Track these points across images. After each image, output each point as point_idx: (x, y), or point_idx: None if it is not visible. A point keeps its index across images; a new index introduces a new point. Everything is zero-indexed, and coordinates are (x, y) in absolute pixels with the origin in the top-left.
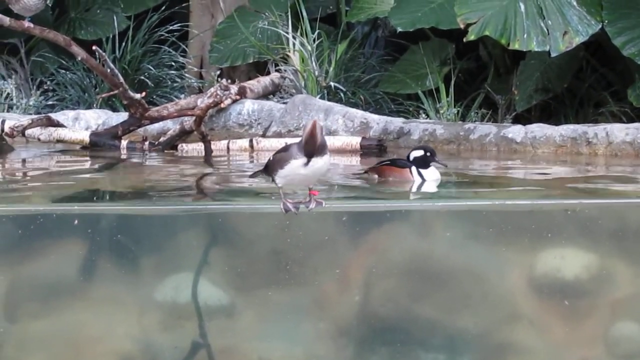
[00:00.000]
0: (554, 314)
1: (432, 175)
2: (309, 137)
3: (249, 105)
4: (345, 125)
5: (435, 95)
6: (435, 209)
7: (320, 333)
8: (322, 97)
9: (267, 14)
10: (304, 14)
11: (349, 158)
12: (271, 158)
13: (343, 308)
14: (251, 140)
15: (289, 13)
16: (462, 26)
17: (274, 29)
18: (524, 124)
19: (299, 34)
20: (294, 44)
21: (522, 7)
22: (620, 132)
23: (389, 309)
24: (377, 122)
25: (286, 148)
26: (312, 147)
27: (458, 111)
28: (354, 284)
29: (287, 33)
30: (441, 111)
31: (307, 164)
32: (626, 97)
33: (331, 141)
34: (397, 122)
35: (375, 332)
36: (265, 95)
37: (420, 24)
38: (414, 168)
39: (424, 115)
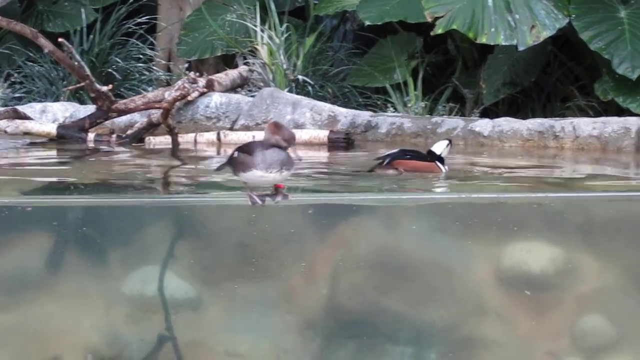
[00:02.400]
0: (521, 307)
1: (445, 167)
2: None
3: (216, 99)
4: (312, 119)
5: (403, 89)
6: (402, 202)
7: (287, 326)
8: (290, 91)
9: (235, 7)
10: (272, 7)
11: (316, 152)
12: (235, 154)
13: (310, 301)
14: (218, 134)
15: (257, 6)
16: (429, 20)
17: (242, 22)
18: (492, 118)
19: (267, 27)
20: (262, 37)
21: (490, 1)
22: (587, 126)
23: (356, 302)
24: (345, 115)
25: (250, 150)
26: None
27: (426, 105)
28: (321, 277)
29: (255, 26)
30: (409, 105)
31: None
32: (593, 91)
33: (298, 134)
34: (364, 116)
35: (342, 326)
36: (233, 88)
37: (388, 17)
38: (436, 162)
39: (391, 109)
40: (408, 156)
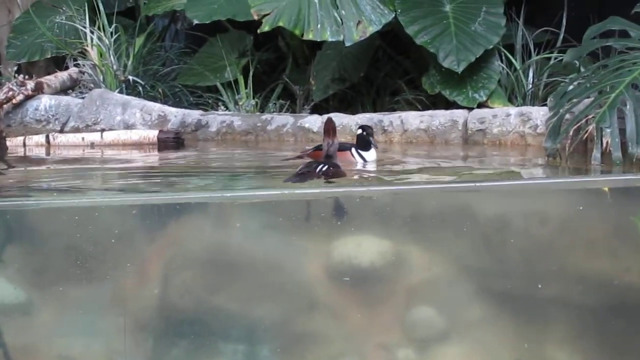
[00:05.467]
0: (351, 301)
1: (371, 156)
2: None
3: (45, 101)
4: (143, 119)
5: (235, 87)
6: (228, 199)
7: (119, 328)
8: (120, 91)
9: (64, 8)
10: (101, 7)
11: (146, 152)
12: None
13: (142, 302)
14: (47, 136)
15: (86, 7)
16: (256, 17)
17: (72, 23)
18: (322, 114)
19: (96, 28)
20: (91, 39)
21: None
22: (414, 119)
23: (187, 301)
24: (175, 114)
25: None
26: None
27: (257, 102)
28: (151, 278)
29: (85, 27)
30: (240, 103)
31: None
32: (421, 85)
33: (128, 135)
34: (194, 115)
35: (174, 325)
36: (63, 90)
37: (217, 16)
38: (353, 149)
39: (223, 107)
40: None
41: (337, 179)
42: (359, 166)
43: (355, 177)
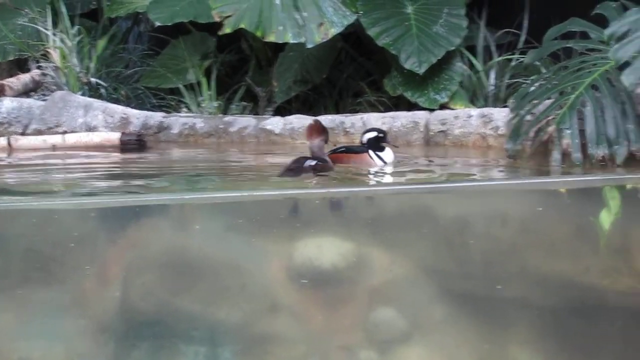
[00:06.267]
0: (314, 303)
1: (389, 157)
2: None
3: (7, 104)
4: (105, 121)
5: (197, 89)
6: (190, 201)
7: (80, 330)
8: (83, 94)
9: (26, 10)
10: (63, 9)
11: (109, 154)
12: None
13: (103, 304)
14: (9, 139)
15: (49, 9)
16: (217, 19)
17: (34, 25)
18: (284, 116)
19: (59, 30)
20: (54, 41)
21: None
22: (376, 121)
23: (149, 303)
24: (137, 117)
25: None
26: None
27: (219, 104)
28: (112, 280)
29: (47, 29)
30: (203, 105)
31: None
32: (383, 86)
33: (90, 137)
34: (157, 117)
35: (136, 328)
36: (26, 92)
37: (179, 18)
38: (371, 151)
39: (185, 110)
40: (343, 149)
41: (326, 173)
42: (379, 167)
43: (377, 178)
